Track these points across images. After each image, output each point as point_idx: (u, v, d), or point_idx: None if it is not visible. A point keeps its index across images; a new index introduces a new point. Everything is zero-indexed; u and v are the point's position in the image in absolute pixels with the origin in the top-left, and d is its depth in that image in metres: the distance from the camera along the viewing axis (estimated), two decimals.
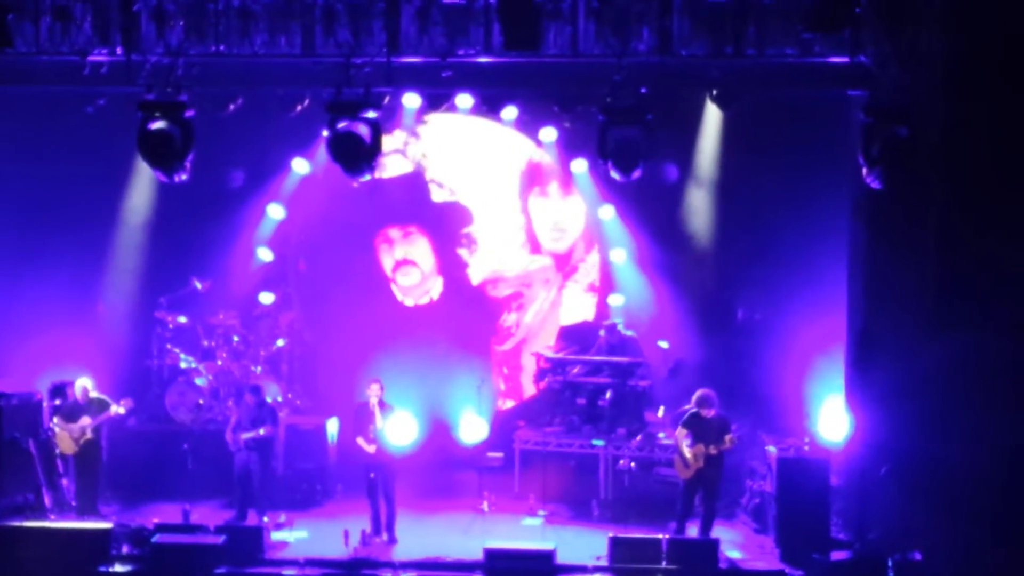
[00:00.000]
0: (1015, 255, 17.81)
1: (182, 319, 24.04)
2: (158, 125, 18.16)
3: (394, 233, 25.39)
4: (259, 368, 23.96)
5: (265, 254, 24.61)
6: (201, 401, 23.19)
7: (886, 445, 19.23)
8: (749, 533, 21.03)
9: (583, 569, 18.90)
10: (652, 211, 23.79)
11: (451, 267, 25.42)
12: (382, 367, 22.08)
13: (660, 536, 18.97)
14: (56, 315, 22.89)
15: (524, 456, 22.70)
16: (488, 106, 22.61)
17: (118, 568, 18.73)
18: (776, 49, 18.58)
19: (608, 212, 24.21)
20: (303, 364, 24.94)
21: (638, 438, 22.07)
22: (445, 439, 23.80)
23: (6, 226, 23.09)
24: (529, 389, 25.01)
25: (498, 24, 18.14)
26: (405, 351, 23.93)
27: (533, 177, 25.06)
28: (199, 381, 23.39)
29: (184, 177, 18.54)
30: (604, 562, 18.87)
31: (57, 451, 21.32)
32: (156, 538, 18.84)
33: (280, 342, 24.41)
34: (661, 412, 22.44)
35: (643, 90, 18.27)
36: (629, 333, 23.44)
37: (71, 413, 21.08)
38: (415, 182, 25.17)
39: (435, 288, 25.46)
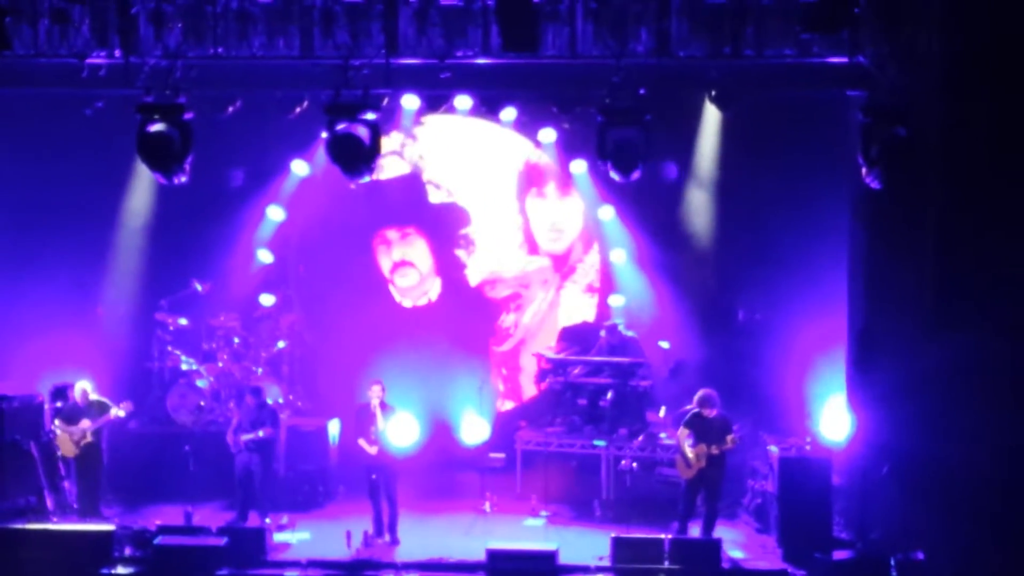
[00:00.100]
0: (1014, 255, 17.79)
1: (183, 321, 24.06)
2: (157, 127, 18.14)
3: (392, 234, 25.40)
4: (260, 370, 23.97)
5: (265, 256, 24.63)
6: (202, 403, 23.21)
7: (887, 445, 19.22)
8: (751, 533, 21.03)
9: (585, 569, 18.90)
10: (652, 211, 23.82)
11: (449, 268, 25.44)
12: (383, 368, 22.09)
13: (662, 536, 18.96)
14: (57, 317, 22.92)
15: (526, 457, 22.71)
16: (487, 107, 22.61)
17: (120, 570, 18.74)
18: (775, 50, 18.54)
19: (608, 213, 24.22)
20: (304, 366, 24.95)
21: (639, 438, 22.06)
22: (447, 440, 23.81)
23: (6, 228, 23.11)
24: (528, 390, 25.03)
25: (496, 25, 18.07)
26: (406, 352, 23.95)
27: (531, 178, 25.07)
28: (200, 383, 23.41)
29: (183, 179, 18.51)
30: (606, 562, 18.87)
31: (59, 453, 21.31)
32: (158, 540, 18.85)
33: (281, 344, 24.42)
34: (662, 412, 22.43)
35: (642, 91, 18.25)
36: (630, 334, 23.44)
37: (71, 416, 21.08)
38: (413, 183, 25.18)
39: (433, 289, 25.47)
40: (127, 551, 19.12)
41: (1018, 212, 17.76)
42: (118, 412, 21.02)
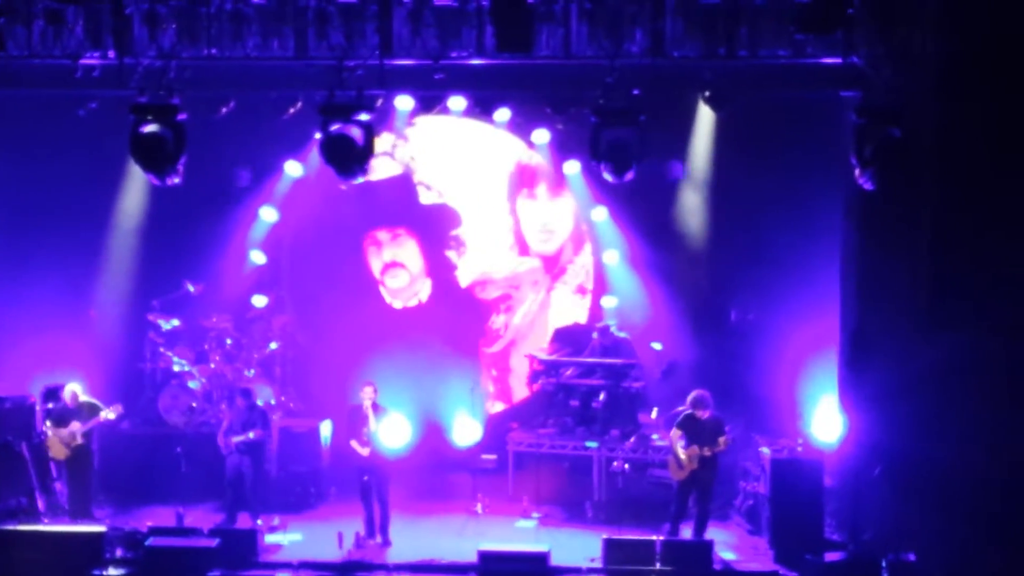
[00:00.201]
0: (1008, 255, 17.83)
1: (175, 322, 24.05)
2: (150, 128, 18.11)
3: (382, 235, 25.41)
4: (252, 371, 23.96)
5: (258, 257, 24.61)
6: (194, 404, 23.21)
7: (880, 446, 19.25)
8: (743, 534, 21.06)
9: (577, 571, 18.84)
10: (645, 212, 23.84)
11: (440, 269, 25.44)
12: (375, 369, 22.09)
13: (654, 538, 18.88)
14: (49, 318, 22.93)
15: (518, 458, 22.70)
16: (481, 108, 22.60)
17: (112, 571, 18.62)
18: (769, 50, 18.51)
19: (601, 213, 24.24)
20: (296, 367, 24.94)
21: (632, 440, 22.06)
22: (439, 441, 23.83)
23: None
24: (518, 391, 25.06)
25: (490, 26, 18.05)
26: (398, 354, 23.94)
27: (521, 179, 25.10)
28: (192, 384, 23.41)
29: (176, 180, 18.47)
30: (598, 564, 18.79)
31: (50, 454, 21.28)
32: (150, 541, 18.75)
33: (273, 345, 24.40)
34: (654, 414, 22.45)
35: (636, 92, 18.26)
36: (622, 335, 23.44)
37: (61, 418, 21.05)
38: (403, 184, 25.19)
39: (424, 290, 25.48)
40: (118, 552, 19.01)
41: (1012, 212, 17.82)
42: (108, 414, 20.98)
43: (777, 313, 22.69)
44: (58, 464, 21.32)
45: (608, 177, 18.58)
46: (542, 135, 23.91)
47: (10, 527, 19.64)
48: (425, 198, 25.34)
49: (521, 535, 20.90)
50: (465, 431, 23.63)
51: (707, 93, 19.72)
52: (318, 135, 18.40)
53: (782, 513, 19.88)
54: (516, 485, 22.50)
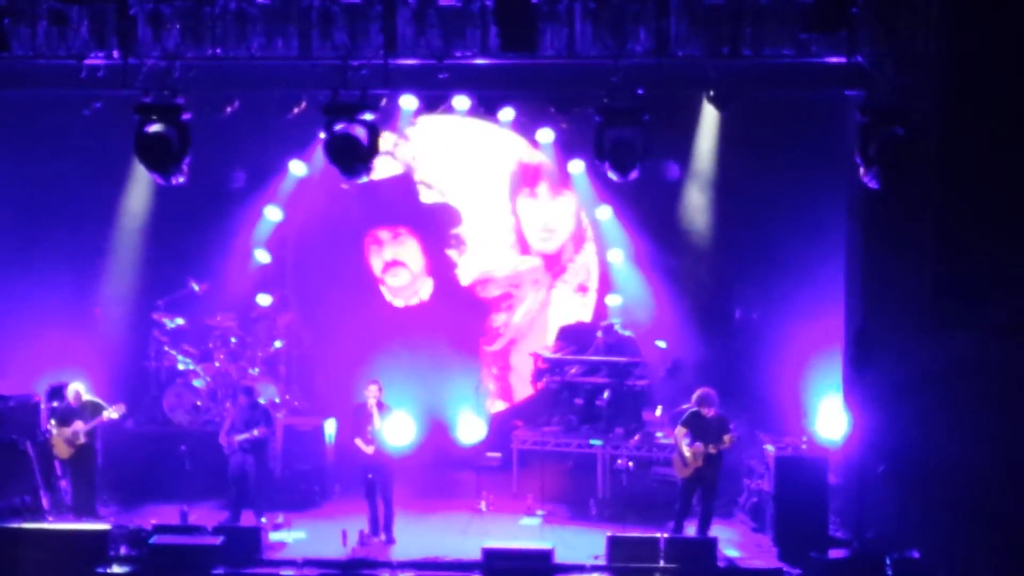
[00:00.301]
0: (1012, 255, 17.81)
1: (180, 321, 24.06)
2: (155, 128, 18.18)
3: (383, 234, 25.43)
4: (257, 370, 23.96)
5: (262, 256, 24.63)
6: (199, 403, 23.23)
7: (884, 444, 19.26)
8: (747, 532, 21.06)
9: (581, 568, 18.87)
10: (650, 211, 23.84)
11: (441, 268, 25.46)
12: (380, 368, 22.09)
13: (658, 535, 18.91)
14: (54, 317, 22.95)
15: (522, 456, 22.69)
16: (485, 108, 22.52)
17: (116, 569, 18.71)
18: (773, 49, 18.52)
19: (606, 213, 24.25)
20: (301, 365, 24.94)
21: (636, 438, 22.08)
22: (443, 439, 23.83)
23: (4, 228, 23.12)
24: (519, 390, 25.10)
25: (495, 26, 18.05)
26: (402, 352, 23.95)
27: (522, 178, 25.11)
28: (197, 383, 23.42)
29: (181, 180, 18.54)
30: (602, 561, 18.84)
31: (54, 453, 21.31)
32: (154, 539, 18.81)
33: (278, 343, 24.41)
34: (659, 412, 22.45)
35: (640, 91, 18.30)
36: (627, 333, 23.45)
37: (65, 417, 21.05)
38: (404, 183, 25.19)
39: (424, 289, 25.50)
40: (123, 550, 19.08)
41: (1016, 211, 17.79)
42: (111, 414, 20.97)
43: (781, 311, 22.68)
44: (62, 462, 21.34)
45: (612, 176, 18.63)
46: (546, 134, 23.90)
47: (15, 525, 19.76)
48: (426, 197, 25.35)
49: (525, 533, 20.90)
50: (469, 429, 23.64)
51: (711, 92, 19.66)
52: (322, 135, 18.42)
53: (786, 511, 19.87)
54: (520, 483, 22.50)
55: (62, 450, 21.05)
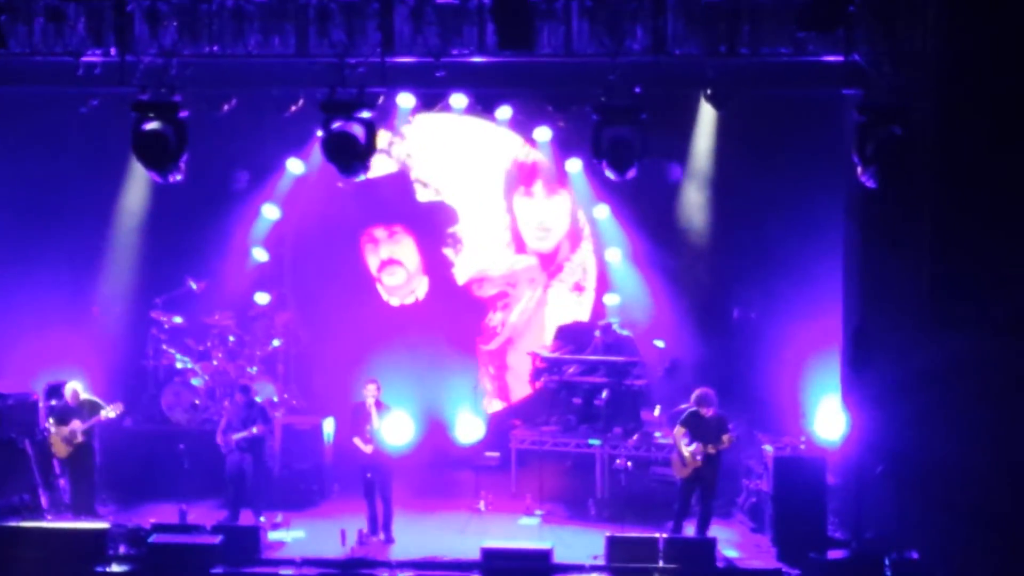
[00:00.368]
0: (1010, 254, 17.81)
1: (178, 319, 24.08)
2: (152, 125, 18.19)
3: (379, 233, 25.43)
4: (255, 368, 23.97)
5: (260, 254, 24.62)
6: (197, 401, 23.25)
7: (882, 444, 19.23)
8: (746, 532, 21.05)
9: (580, 568, 18.86)
10: (647, 210, 23.83)
11: (437, 267, 25.45)
12: (378, 367, 22.09)
13: (657, 535, 18.90)
14: (52, 315, 22.95)
15: (520, 456, 22.68)
16: (482, 106, 22.56)
17: (115, 568, 18.73)
18: (770, 48, 18.49)
19: (603, 211, 24.23)
20: (299, 364, 24.94)
21: (634, 437, 22.07)
22: (442, 439, 23.83)
23: (1, 227, 23.08)
24: (516, 389, 25.11)
25: (492, 24, 18.05)
26: (401, 351, 23.94)
27: (518, 177, 25.11)
28: (195, 381, 23.43)
29: (178, 177, 18.55)
30: (601, 561, 18.83)
31: (52, 451, 21.30)
32: (153, 538, 18.81)
33: (276, 342, 24.41)
34: (657, 411, 22.44)
35: (637, 89, 18.29)
36: (625, 332, 23.44)
37: (62, 415, 21.06)
38: (400, 182, 25.18)
39: (420, 288, 25.49)
40: (121, 549, 19.08)
41: (1014, 210, 17.78)
42: (108, 413, 20.96)
43: (779, 311, 22.68)
44: (61, 461, 21.34)
45: (610, 175, 18.61)
46: (544, 133, 23.90)
47: (13, 524, 19.76)
48: (422, 195, 25.36)
49: (524, 533, 20.89)
50: (468, 428, 23.63)
51: (709, 91, 19.63)
52: (320, 132, 18.40)
53: (785, 511, 19.86)
54: (519, 483, 22.49)
55: (60, 449, 21.06)
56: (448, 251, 25.40)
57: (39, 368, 22.58)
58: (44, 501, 21.22)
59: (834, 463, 20.53)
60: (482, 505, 21.99)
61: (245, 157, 23.93)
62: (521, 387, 24.89)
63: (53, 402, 21.66)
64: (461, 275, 25.48)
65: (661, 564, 18.56)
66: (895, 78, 18.00)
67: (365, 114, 18.10)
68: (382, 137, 23.88)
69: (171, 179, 18.54)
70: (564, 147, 23.91)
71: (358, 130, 18.01)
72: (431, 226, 25.40)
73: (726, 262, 23.56)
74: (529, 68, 19.24)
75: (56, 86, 19.63)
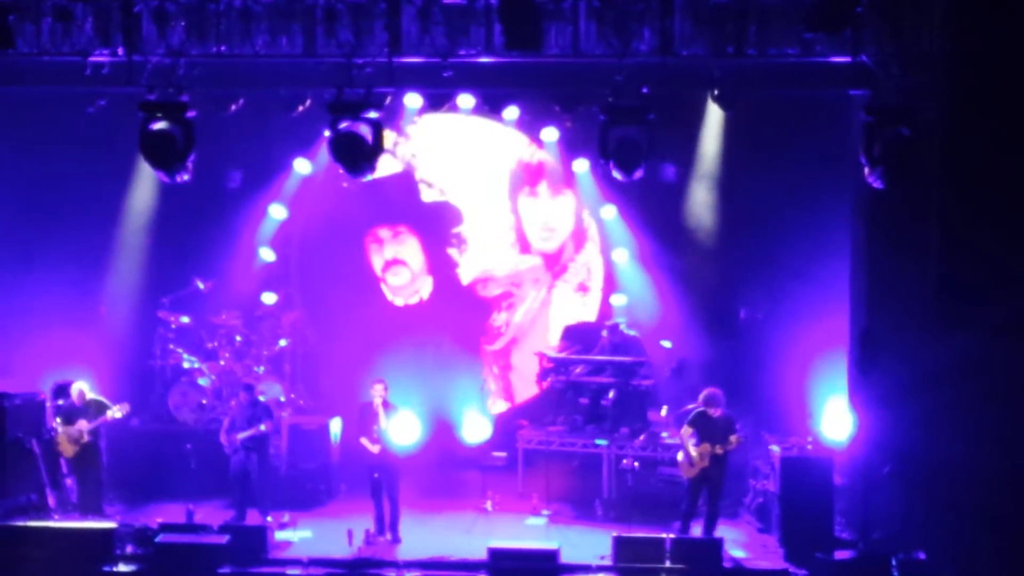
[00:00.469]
0: (1017, 255, 17.80)
1: (185, 319, 24.11)
2: (159, 125, 18.20)
3: (384, 233, 25.45)
4: (262, 368, 23.98)
5: (267, 254, 24.63)
6: (204, 401, 23.26)
7: (889, 444, 19.26)
8: (753, 532, 21.04)
9: (587, 568, 18.84)
10: (654, 211, 23.82)
11: (441, 267, 25.46)
12: (385, 367, 22.10)
13: (664, 535, 18.90)
14: (59, 315, 22.98)
15: (527, 456, 22.68)
16: (489, 106, 22.60)
17: (122, 568, 18.73)
18: (777, 49, 18.50)
19: (610, 212, 24.23)
20: (306, 364, 24.96)
21: (641, 438, 22.04)
22: (448, 439, 23.81)
23: (9, 226, 23.14)
24: (520, 389, 25.13)
25: (499, 24, 18.04)
26: (407, 351, 23.94)
27: (523, 177, 25.13)
28: (202, 381, 23.45)
29: (186, 177, 18.57)
30: (608, 561, 18.81)
31: (59, 451, 21.32)
32: (160, 538, 18.81)
33: (283, 342, 24.42)
34: (664, 411, 22.44)
35: (644, 90, 18.28)
36: (632, 333, 23.44)
37: (69, 415, 21.06)
38: (405, 182, 25.20)
39: (425, 288, 25.51)
40: (129, 549, 19.08)
41: (1021, 211, 17.77)
42: (115, 413, 20.96)
43: (786, 312, 22.66)
44: (67, 461, 21.33)
45: (617, 176, 18.61)
46: (551, 133, 23.91)
47: (21, 523, 19.77)
48: (426, 196, 25.38)
49: (531, 533, 20.90)
50: (474, 428, 23.62)
51: (716, 91, 19.63)
52: (327, 133, 18.39)
53: (792, 511, 19.85)
54: (526, 483, 22.48)
55: (67, 449, 21.07)
56: (452, 251, 25.41)
57: (46, 368, 22.58)
58: (51, 501, 21.21)
59: (841, 463, 20.53)
60: (489, 505, 22.02)
61: (252, 157, 23.91)
62: (525, 387, 24.91)
63: (60, 402, 21.65)
64: (465, 275, 25.49)
65: (668, 564, 18.54)
66: (902, 79, 17.98)
67: (372, 114, 18.10)
68: (387, 137, 23.93)
69: (178, 179, 18.56)
70: (571, 147, 23.91)
71: (365, 130, 18.02)
72: (436, 226, 25.42)
73: (733, 262, 23.53)
74: (536, 68, 19.29)
75: (64, 86, 19.66)
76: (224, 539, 18.76)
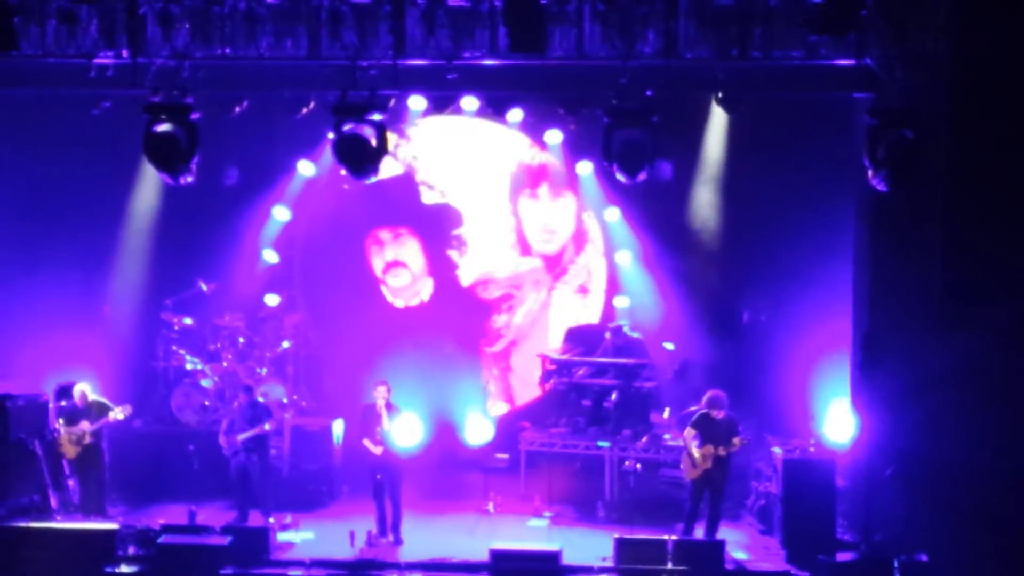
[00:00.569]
0: (1021, 257, 17.79)
1: (188, 321, 24.14)
2: (164, 127, 18.22)
3: (384, 235, 25.47)
4: (264, 370, 24.00)
5: (270, 256, 24.65)
6: (207, 402, 23.28)
7: (892, 446, 19.24)
8: (755, 534, 21.04)
9: (589, 570, 18.81)
10: (658, 213, 23.85)
11: (441, 269, 25.50)
12: (387, 368, 22.08)
13: (666, 537, 18.87)
14: (62, 316, 22.97)
15: (530, 457, 22.71)
16: (493, 108, 22.63)
17: (124, 569, 18.71)
18: (782, 51, 18.53)
19: (614, 214, 24.26)
20: (308, 365, 24.97)
21: (643, 439, 22.06)
22: (451, 440, 23.78)
23: (13, 227, 23.14)
24: (520, 391, 25.19)
25: (504, 27, 18.07)
26: (409, 352, 23.94)
27: (523, 179, 25.15)
28: (205, 383, 23.47)
29: (190, 179, 18.59)
30: (610, 563, 18.79)
31: (60, 451, 21.32)
32: (162, 539, 18.79)
33: (285, 344, 24.45)
34: (667, 413, 22.46)
35: (649, 92, 18.31)
36: (635, 335, 23.45)
37: (71, 417, 21.05)
38: (405, 184, 25.22)
39: (425, 290, 25.53)
40: (131, 550, 19.05)
41: None
42: (117, 414, 20.94)
43: (790, 314, 22.69)
44: (70, 462, 21.32)
45: (620, 178, 18.63)
46: (555, 135, 23.94)
47: (23, 524, 19.72)
48: (427, 198, 25.41)
49: (533, 534, 20.91)
50: (477, 430, 23.61)
51: (720, 94, 19.67)
52: (331, 135, 18.41)
53: (794, 513, 19.86)
54: (528, 484, 22.50)
55: (69, 450, 21.05)
56: (453, 253, 25.43)
57: (49, 369, 22.58)
58: (53, 502, 21.20)
59: (843, 465, 20.52)
60: (491, 507, 22.01)
61: (256, 159, 23.90)
62: (525, 389, 24.96)
63: (63, 403, 21.64)
64: (466, 277, 25.51)
65: (670, 566, 18.51)
66: (906, 81, 18.01)
67: (376, 117, 18.12)
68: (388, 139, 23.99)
69: (182, 181, 18.59)
70: (575, 150, 23.94)
71: (369, 132, 18.04)
72: (436, 228, 25.45)
73: (736, 265, 23.55)
74: (541, 71, 19.31)
75: (68, 88, 19.69)
76: (226, 540, 18.74)
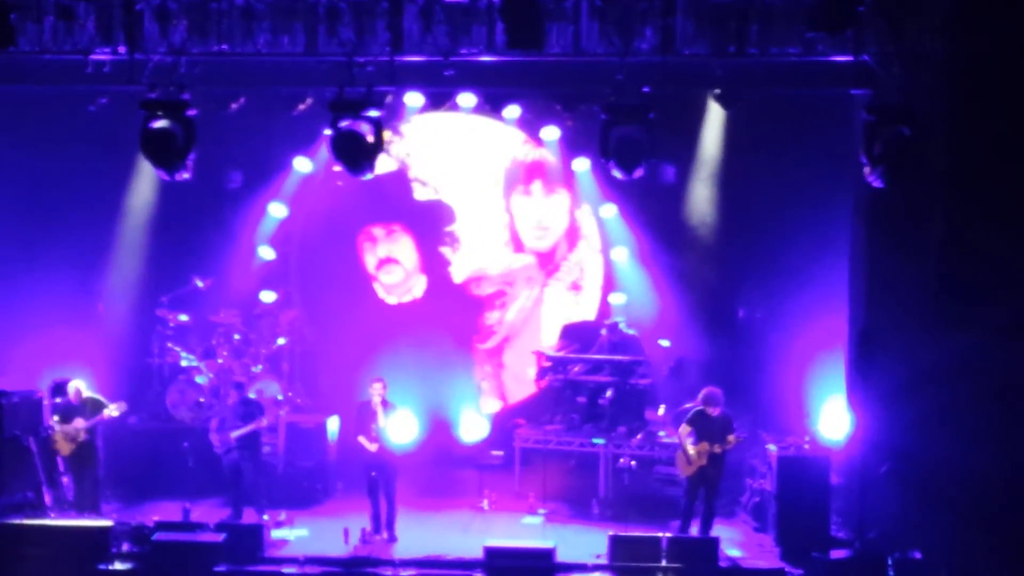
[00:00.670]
0: (1017, 255, 17.84)
1: (183, 317, 24.13)
2: (160, 124, 18.21)
3: (377, 231, 25.46)
4: (260, 367, 23.99)
5: (266, 252, 24.64)
6: (202, 399, 23.27)
7: (886, 444, 19.27)
8: (749, 531, 21.04)
9: (583, 567, 18.86)
10: (654, 210, 23.86)
11: (434, 265, 25.49)
12: (383, 365, 22.08)
13: (660, 535, 18.92)
14: (58, 313, 22.92)
15: (524, 454, 22.71)
16: (491, 105, 22.67)
17: (118, 566, 18.74)
18: (779, 48, 18.55)
19: (610, 211, 24.26)
20: (304, 362, 24.94)
21: (638, 437, 22.09)
22: (446, 437, 23.84)
23: (9, 223, 23.09)
24: (512, 388, 25.19)
25: (501, 23, 18.09)
26: (405, 349, 23.93)
27: (517, 175, 25.14)
28: (200, 379, 23.46)
29: (186, 176, 18.57)
30: (604, 560, 18.82)
31: (55, 448, 21.30)
32: (156, 536, 18.83)
33: (281, 340, 24.42)
34: (662, 411, 22.47)
35: (646, 89, 18.30)
36: (630, 332, 23.48)
37: (66, 414, 21.02)
38: (399, 180, 25.20)
39: (418, 286, 25.52)
40: (125, 547, 19.08)
41: (1021, 212, 17.81)
42: (112, 412, 20.92)
43: (785, 311, 22.69)
44: (64, 459, 21.31)
45: (617, 174, 18.63)
46: (552, 132, 23.95)
47: (17, 521, 19.73)
48: (420, 194, 25.40)
49: (527, 531, 20.86)
50: (472, 427, 23.64)
51: (717, 91, 19.68)
52: (328, 131, 18.40)
53: (788, 510, 19.86)
54: (522, 481, 22.51)
55: (63, 447, 21.04)
56: (446, 250, 25.43)
57: (44, 365, 22.53)
58: (48, 499, 21.17)
59: (838, 463, 20.52)
60: (485, 504, 22.03)
61: (252, 156, 23.92)
62: (518, 386, 25.00)
63: (57, 400, 21.62)
64: (458, 274, 25.51)
65: (664, 563, 18.57)
66: (904, 78, 18.02)
67: (373, 113, 18.11)
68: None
69: (178, 177, 18.58)
70: (572, 146, 23.95)
71: (366, 129, 18.03)
72: (429, 225, 25.46)
73: (732, 262, 23.56)
74: (538, 67, 19.33)
75: (65, 84, 19.69)
76: (220, 537, 18.78)
